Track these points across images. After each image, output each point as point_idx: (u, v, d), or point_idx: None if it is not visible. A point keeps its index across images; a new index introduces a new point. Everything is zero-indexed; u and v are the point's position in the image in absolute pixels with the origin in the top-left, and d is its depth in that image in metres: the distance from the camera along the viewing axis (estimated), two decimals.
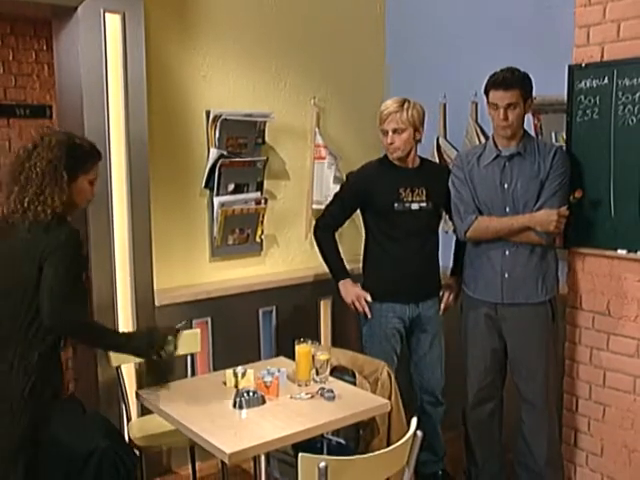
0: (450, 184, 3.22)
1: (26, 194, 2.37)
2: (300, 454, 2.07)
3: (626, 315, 3.02)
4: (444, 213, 3.82)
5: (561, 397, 3.30)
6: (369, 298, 3.33)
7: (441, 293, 3.43)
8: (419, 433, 2.24)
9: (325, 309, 4.12)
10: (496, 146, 3.08)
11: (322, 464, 2.03)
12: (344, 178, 4.05)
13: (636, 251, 2.95)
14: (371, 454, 2.20)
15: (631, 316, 3.01)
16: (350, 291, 3.39)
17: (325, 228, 3.48)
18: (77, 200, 2.51)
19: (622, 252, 2.99)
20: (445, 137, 4.09)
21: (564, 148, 3.15)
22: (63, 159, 2.40)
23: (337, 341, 4.02)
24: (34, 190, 2.37)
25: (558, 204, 2.97)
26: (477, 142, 3.82)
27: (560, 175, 2.99)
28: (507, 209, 3.05)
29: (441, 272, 3.48)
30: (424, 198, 3.30)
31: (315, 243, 3.51)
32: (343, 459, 2.10)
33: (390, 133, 3.24)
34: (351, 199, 3.43)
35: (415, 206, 3.29)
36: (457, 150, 3.96)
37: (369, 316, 3.34)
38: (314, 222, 3.61)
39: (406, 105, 3.21)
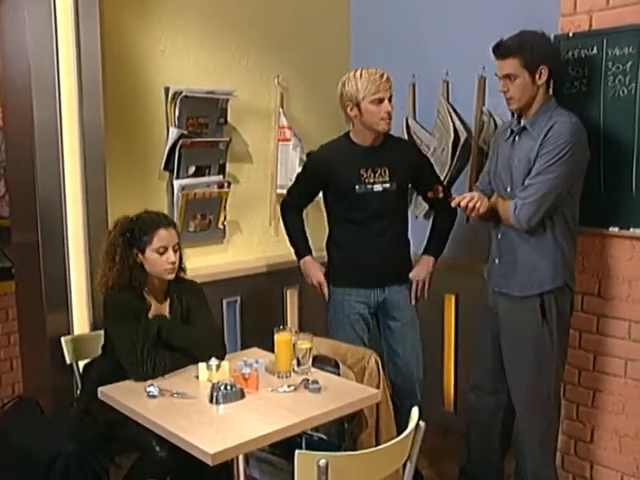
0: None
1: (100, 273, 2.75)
2: (297, 451, 1.89)
3: (617, 295, 2.91)
4: (415, 196, 3.68)
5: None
6: (325, 290, 3.26)
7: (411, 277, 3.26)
8: (422, 424, 2.07)
9: (292, 298, 3.94)
10: (519, 119, 2.83)
11: (322, 462, 1.86)
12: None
13: (629, 228, 2.83)
14: (373, 449, 2.02)
15: (622, 296, 2.89)
16: (310, 273, 3.31)
17: (289, 208, 3.40)
18: (153, 271, 2.69)
19: (614, 230, 2.87)
20: (414, 118, 3.94)
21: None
22: (120, 241, 2.66)
23: (305, 332, 3.83)
24: (102, 271, 2.72)
25: (536, 190, 2.65)
26: (450, 122, 3.67)
27: (547, 154, 2.64)
28: (508, 188, 2.82)
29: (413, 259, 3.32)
30: (387, 179, 3.11)
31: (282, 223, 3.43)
32: (344, 455, 1.95)
33: (386, 101, 3.03)
34: (311, 181, 3.27)
35: (378, 187, 3.11)
36: (427, 131, 3.82)
37: (326, 298, 3.25)
38: (282, 199, 3.51)
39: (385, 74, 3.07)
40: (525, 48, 2.66)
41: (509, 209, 2.74)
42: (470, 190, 2.91)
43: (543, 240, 2.76)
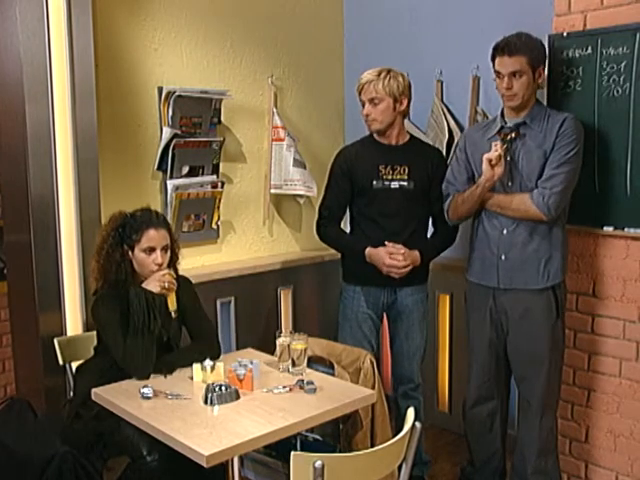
0: (449, 165, 3.05)
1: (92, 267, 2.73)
2: (293, 453, 1.87)
3: (612, 295, 2.91)
4: None
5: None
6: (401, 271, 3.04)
7: None
8: (417, 425, 2.06)
9: (286, 299, 3.92)
10: (503, 118, 2.87)
11: (318, 463, 1.84)
12: (305, 161, 3.89)
13: (623, 228, 2.83)
14: (370, 450, 2.00)
15: (617, 296, 2.89)
16: (378, 260, 3.06)
17: (327, 224, 3.26)
18: (140, 271, 2.67)
19: (608, 229, 2.87)
20: (408, 117, 3.90)
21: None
22: (111, 236, 2.65)
23: (299, 332, 3.81)
24: (93, 264, 2.70)
25: (562, 179, 2.69)
26: (444, 122, 3.68)
27: (567, 145, 2.70)
28: (510, 183, 2.81)
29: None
30: (405, 177, 3.11)
31: (325, 244, 3.33)
32: (340, 456, 1.93)
33: (367, 104, 3.06)
34: (343, 179, 3.20)
35: (395, 184, 3.11)
36: (421, 130, 3.82)
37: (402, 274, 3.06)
38: (315, 222, 3.32)
39: (383, 74, 3.03)
40: (532, 47, 2.72)
41: (532, 200, 2.73)
42: (458, 192, 2.93)
43: (554, 232, 2.82)
